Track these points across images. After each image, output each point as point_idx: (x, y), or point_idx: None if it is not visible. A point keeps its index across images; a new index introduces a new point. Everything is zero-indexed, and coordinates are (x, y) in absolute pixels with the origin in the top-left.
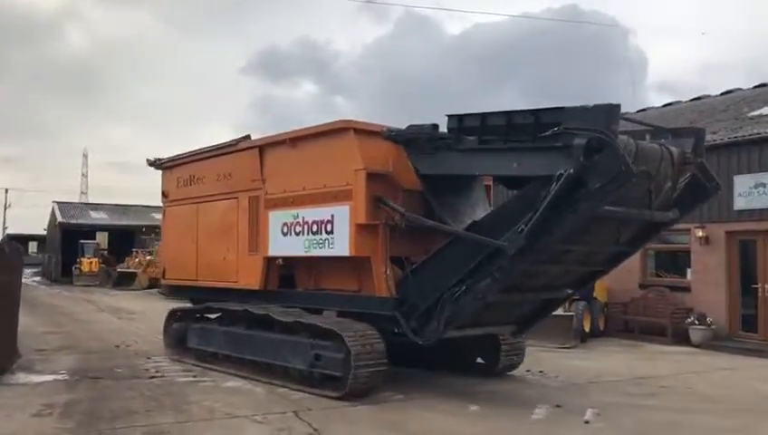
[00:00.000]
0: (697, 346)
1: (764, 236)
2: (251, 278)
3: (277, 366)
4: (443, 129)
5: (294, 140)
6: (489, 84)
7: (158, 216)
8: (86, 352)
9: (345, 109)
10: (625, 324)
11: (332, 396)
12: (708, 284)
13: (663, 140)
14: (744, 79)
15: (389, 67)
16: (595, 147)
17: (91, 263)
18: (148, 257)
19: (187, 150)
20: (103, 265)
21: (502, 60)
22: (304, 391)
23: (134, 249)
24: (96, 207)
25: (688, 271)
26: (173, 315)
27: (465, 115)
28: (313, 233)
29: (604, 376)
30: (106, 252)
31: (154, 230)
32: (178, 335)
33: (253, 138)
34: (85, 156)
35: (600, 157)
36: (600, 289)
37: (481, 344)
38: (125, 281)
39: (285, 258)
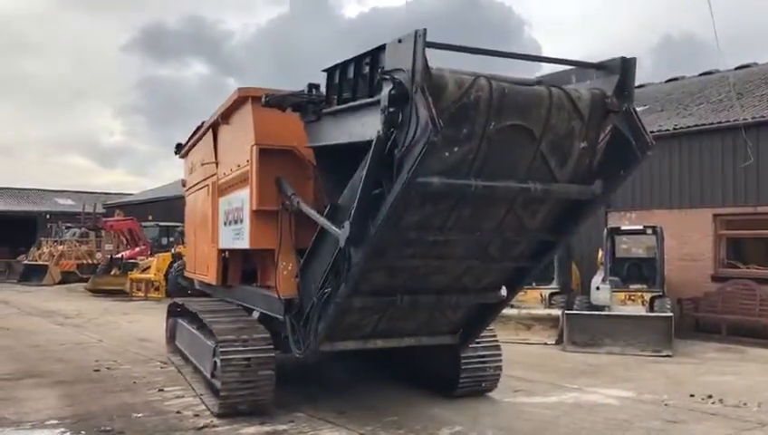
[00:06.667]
0: None
1: None
2: (212, 272)
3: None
4: None
5: (224, 116)
6: None
7: (63, 201)
8: (59, 381)
9: None
10: (696, 323)
11: (214, 412)
12: None
13: (589, 82)
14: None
15: (284, 50)
16: (403, 95)
17: None
18: (60, 248)
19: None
20: None
21: None
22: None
23: (41, 238)
24: None
25: None
26: (169, 309)
27: (331, 68)
28: (235, 222)
29: None
30: None
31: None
32: (171, 332)
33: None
34: None
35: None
36: None
37: (437, 356)
38: (34, 275)
39: (231, 251)
